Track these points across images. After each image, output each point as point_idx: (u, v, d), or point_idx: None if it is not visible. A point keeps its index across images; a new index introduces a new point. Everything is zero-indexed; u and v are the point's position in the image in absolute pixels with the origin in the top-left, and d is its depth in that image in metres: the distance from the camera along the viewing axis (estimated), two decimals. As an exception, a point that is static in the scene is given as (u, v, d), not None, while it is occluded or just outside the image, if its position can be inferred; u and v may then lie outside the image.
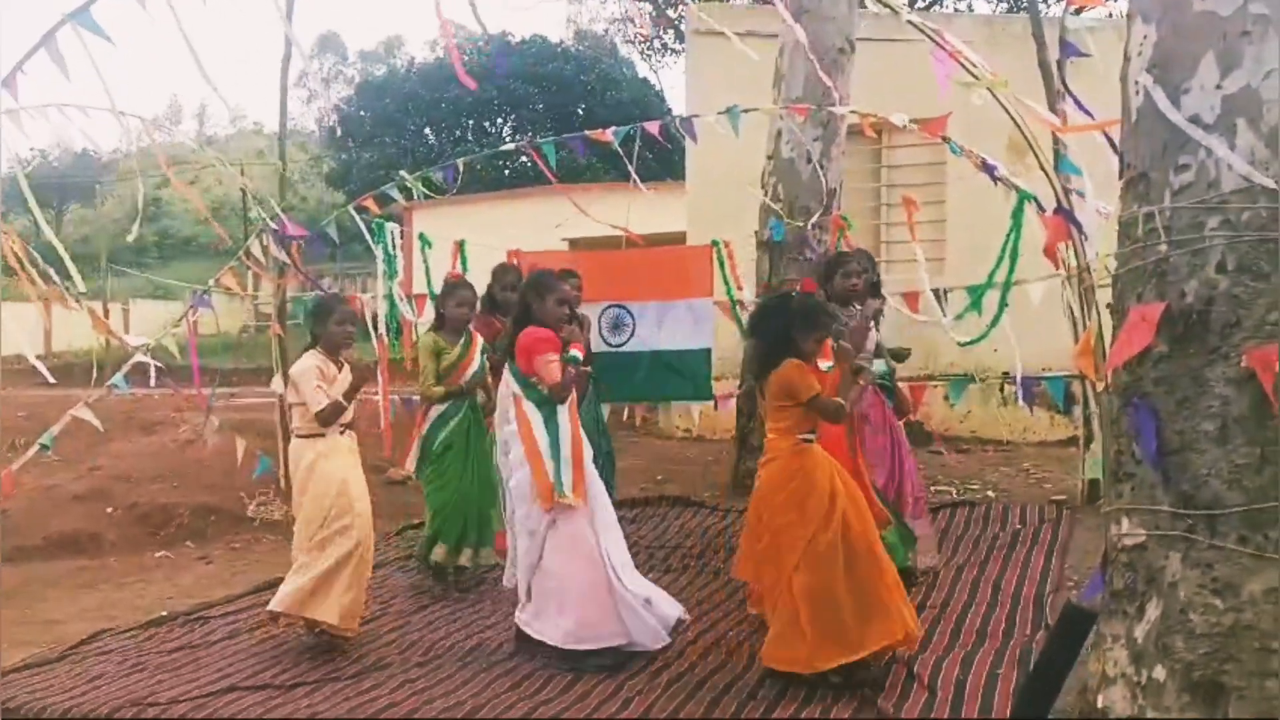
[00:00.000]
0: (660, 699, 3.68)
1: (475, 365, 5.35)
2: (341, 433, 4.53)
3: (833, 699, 3.58)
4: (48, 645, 4.79)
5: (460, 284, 5.55)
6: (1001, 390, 8.84)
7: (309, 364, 4.47)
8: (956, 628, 4.31)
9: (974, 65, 4.58)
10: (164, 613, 5.26)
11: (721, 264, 6.98)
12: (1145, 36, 2.80)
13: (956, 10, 21.42)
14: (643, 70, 29.64)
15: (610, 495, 6.04)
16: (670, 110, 24.68)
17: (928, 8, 20.32)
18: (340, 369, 4.50)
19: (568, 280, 5.91)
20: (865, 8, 6.30)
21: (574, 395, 4.33)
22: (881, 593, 3.64)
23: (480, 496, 5.27)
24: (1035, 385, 6.04)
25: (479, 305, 5.52)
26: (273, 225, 6.34)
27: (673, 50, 26.87)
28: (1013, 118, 4.95)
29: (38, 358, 5.73)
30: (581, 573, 4.07)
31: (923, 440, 8.53)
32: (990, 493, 7.09)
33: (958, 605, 4.61)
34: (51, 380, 5.83)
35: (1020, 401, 6.52)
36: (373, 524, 4.58)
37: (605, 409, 6.38)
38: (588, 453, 4.28)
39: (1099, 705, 2.86)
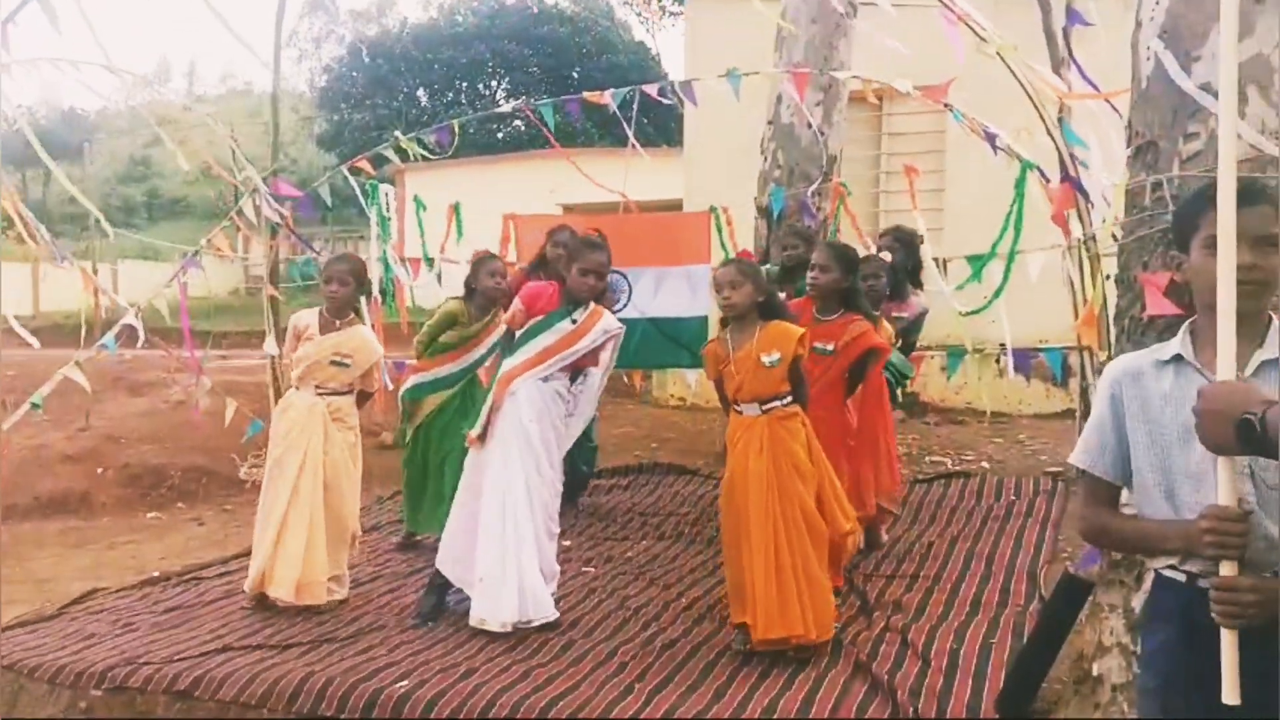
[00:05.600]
0: (655, 663, 3.69)
1: (484, 348, 5.25)
2: (316, 390, 4.53)
3: (826, 666, 3.60)
4: (41, 604, 4.78)
5: (489, 256, 5.48)
6: (998, 362, 8.83)
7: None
8: (950, 598, 4.32)
9: (982, 29, 4.51)
10: (156, 573, 5.26)
11: (720, 231, 6.92)
12: (1157, 2, 2.76)
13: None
14: (639, 34, 29.33)
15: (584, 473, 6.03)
16: (667, 75, 24.41)
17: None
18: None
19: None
20: None
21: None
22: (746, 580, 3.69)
23: (441, 472, 5.16)
24: (1033, 357, 6.01)
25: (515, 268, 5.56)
26: (263, 187, 6.25)
27: (671, 13, 26.55)
28: (1021, 83, 4.89)
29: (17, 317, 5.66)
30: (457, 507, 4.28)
31: (918, 411, 8.54)
32: (985, 464, 7.09)
33: (952, 576, 4.63)
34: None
35: (1012, 372, 6.49)
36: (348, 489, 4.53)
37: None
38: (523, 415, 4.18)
39: (1094, 673, 2.88)
